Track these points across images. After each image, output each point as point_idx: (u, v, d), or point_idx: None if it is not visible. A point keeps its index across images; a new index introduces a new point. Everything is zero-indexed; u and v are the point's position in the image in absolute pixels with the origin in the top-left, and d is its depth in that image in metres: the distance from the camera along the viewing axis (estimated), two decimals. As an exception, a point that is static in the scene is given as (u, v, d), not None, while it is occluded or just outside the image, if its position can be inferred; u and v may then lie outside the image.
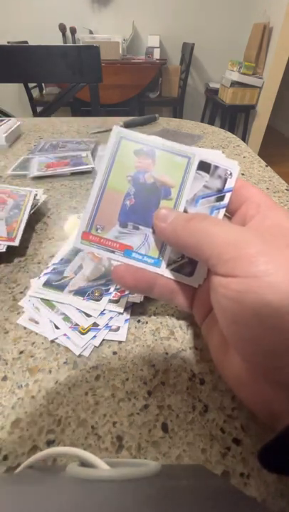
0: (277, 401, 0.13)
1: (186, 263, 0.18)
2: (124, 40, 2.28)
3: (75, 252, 0.27)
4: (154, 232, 0.18)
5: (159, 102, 2.50)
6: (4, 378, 0.19)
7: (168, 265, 0.18)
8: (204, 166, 0.18)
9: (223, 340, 0.16)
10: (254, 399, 0.14)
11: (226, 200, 0.18)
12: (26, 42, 2.10)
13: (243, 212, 0.17)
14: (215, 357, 0.17)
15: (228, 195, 0.17)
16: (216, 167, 0.18)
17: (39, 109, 2.18)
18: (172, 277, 0.18)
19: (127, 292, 0.23)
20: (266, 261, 0.11)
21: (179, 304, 0.19)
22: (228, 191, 0.17)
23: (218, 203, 0.18)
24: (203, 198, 0.18)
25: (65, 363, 0.19)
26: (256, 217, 0.16)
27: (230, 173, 0.17)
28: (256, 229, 0.15)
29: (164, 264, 0.18)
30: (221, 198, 0.18)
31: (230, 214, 0.18)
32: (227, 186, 0.17)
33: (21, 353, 0.20)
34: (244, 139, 2.46)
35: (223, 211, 0.18)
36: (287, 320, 0.11)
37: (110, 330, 0.21)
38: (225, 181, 0.17)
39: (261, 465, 0.12)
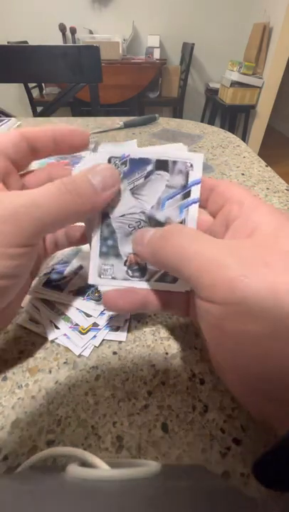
0: (269, 411, 0.13)
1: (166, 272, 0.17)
2: (124, 40, 2.28)
3: (75, 252, 0.27)
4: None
5: (159, 102, 2.50)
6: (4, 378, 0.19)
7: (150, 278, 0.17)
8: (162, 165, 0.17)
9: None
10: (249, 406, 0.14)
11: (196, 194, 0.16)
12: (26, 42, 2.10)
13: (225, 212, 0.16)
14: (213, 361, 0.17)
15: (195, 189, 0.16)
16: (174, 162, 0.16)
17: (39, 109, 2.18)
18: (159, 288, 0.17)
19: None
20: (244, 287, 0.11)
21: (175, 313, 0.19)
22: (195, 184, 0.16)
23: (186, 200, 0.17)
24: (168, 199, 0.17)
25: (65, 363, 0.19)
26: (239, 220, 0.15)
27: (191, 165, 0.16)
28: (238, 236, 0.14)
29: (147, 278, 0.17)
30: (187, 194, 0.17)
31: (212, 215, 0.17)
32: (191, 179, 0.16)
33: (21, 353, 0.20)
34: (244, 139, 2.46)
35: (195, 206, 0.17)
36: (268, 348, 0.10)
37: (110, 330, 0.21)
38: (187, 175, 0.16)
39: (257, 480, 0.12)
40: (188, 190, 0.17)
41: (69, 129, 0.17)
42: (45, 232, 0.14)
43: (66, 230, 0.21)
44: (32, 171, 0.19)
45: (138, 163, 0.17)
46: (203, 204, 0.17)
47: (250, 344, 0.11)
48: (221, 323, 0.11)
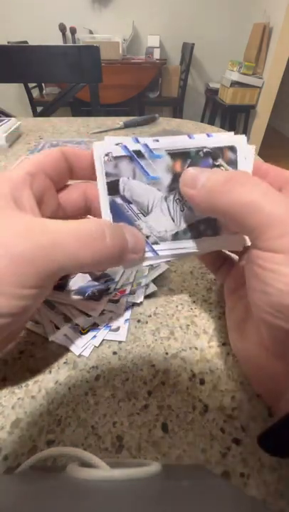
0: (283, 379, 0.14)
1: (203, 221, 0.16)
2: (124, 40, 2.28)
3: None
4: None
5: (159, 102, 2.50)
6: (4, 378, 0.19)
7: (195, 237, 0.16)
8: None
9: (245, 316, 0.17)
10: (262, 375, 0.15)
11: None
12: (26, 42, 2.10)
13: None
14: (232, 332, 0.18)
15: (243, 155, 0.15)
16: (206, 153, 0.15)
17: (39, 109, 2.18)
18: (210, 248, 0.17)
19: (127, 292, 0.23)
20: None
21: (207, 265, 0.21)
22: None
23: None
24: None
25: (65, 363, 0.19)
26: None
27: (231, 148, 0.15)
28: None
29: (190, 238, 0.17)
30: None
31: None
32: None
33: (21, 353, 0.20)
34: (244, 139, 2.45)
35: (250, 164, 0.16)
36: None
37: (110, 330, 0.21)
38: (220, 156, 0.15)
39: (261, 447, 0.13)
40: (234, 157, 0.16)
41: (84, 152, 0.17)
42: (62, 275, 0.14)
43: None
44: (67, 186, 0.19)
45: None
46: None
47: None
48: (278, 268, 0.12)
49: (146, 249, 0.17)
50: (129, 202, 0.16)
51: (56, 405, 0.17)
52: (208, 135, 0.16)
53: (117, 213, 0.16)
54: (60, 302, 0.23)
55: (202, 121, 2.75)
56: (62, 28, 2.25)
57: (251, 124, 2.42)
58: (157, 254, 0.17)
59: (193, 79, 2.69)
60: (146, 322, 0.22)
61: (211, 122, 2.55)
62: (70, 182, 0.19)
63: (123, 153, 0.15)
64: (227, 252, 0.21)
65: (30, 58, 0.84)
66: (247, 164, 0.16)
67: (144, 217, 0.17)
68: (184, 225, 0.17)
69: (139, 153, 0.15)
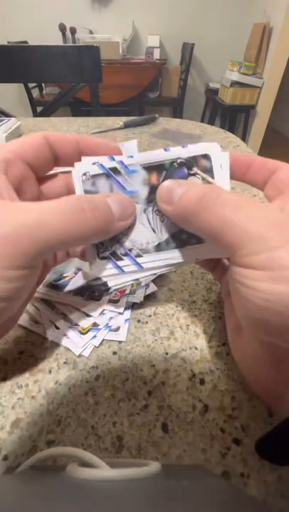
0: (279, 384, 0.14)
1: (185, 231, 0.16)
2: (124, 40, 2.28)
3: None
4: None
5: (159, 102, 2.50)
6: (4, 378, 0.19)
7: (179, 246, 0.16)
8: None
9: (239, 321, 0.17)
10: (261, 381, 0.15)
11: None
12: (26, 42, 2.10)
13: (282, 198, 0.15)
14: (230, 336, 0.18)
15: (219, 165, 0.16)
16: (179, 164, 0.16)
17: (39, 109, 2.18)
18: (199, 257, 0.17)
19: (127, 292, 0.23)
20: (285, 256, 0.11)
21: (203, 266, 0.21)
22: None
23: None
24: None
25: (65, 363, 0.19)
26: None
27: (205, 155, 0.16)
28: (281, 217, 0.13)
29: (174, 248, 0.17)
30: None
31: (268, 199, 0.16)
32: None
33: (21, 353, 0.20)
34: (244, 139, 2.46)
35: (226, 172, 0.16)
36: None
37: (110, 330, 0.21)
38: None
39: (257, 453, 0.12)
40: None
41: (96, 142, 0.16)
42: (49, 254, 0.13)
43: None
44: (49, 177, 0.18)
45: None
46: (260, 185, 0.17)
47: (284, 302, 0.11)
48: (258, 284, 0.12)
49: (130, 262, 0.17)
50: None
51: (56, 405, 0.17)
52: (183, 146, 0.16)
53: None
54: (60, 302, 0.23)
55: (202, 121, 2.75)
56: (62, 28, 2.25)
57: (251, 124, 2.42)
58: (141, 267, 0.17)
59: (193, 79, 2.69)
60: (146, 322, 0.22)
61: (211, 122, 2.55)
62: (59, 169, 0.18)
63: (100, 171, 0.16)
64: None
65: (30, 58, 0.84)
66: (223, 171, 0.16)
67: (125, 231, 0.17)
68: (165, 236, 0.17)
69: (115, 169, 0.16)
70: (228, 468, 0.15)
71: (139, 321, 0.22)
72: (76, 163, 0.16)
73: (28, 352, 0.20)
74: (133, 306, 0.23)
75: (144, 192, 0.16)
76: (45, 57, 0.84)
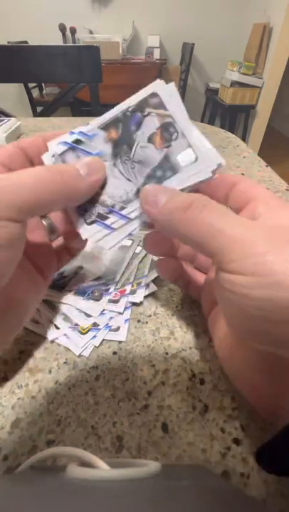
0: (276, 395, 0.13)
1: (158, 167, 0.17)
2: (124, 40, 2.28)
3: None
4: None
5: (159, 102, 2.50)
6: (4, 378, 0.19)
7: (159, 183, 0.17)
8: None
9: (226, 332, 0.17)
10: (254, 392, 0.15)
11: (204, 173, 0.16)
12: (26, 42, 2.10)
13: (251, 209, 0.16)
14: (218, 349, 0.18)
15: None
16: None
17: (39, 109, 2.18)
18: (184, 185, 0.16)
19: (127, 292, 0.23)
20: (272, 261, 0.11)
21: (192, 293, 0.22)
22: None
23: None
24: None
25: (65, 363, 0.19)
26: (266, 214, 0.15)
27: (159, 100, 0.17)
28: (265, 223, 0.14)
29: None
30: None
31: (235, 211, 0.17)
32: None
33: (21, 353, 0.20)
34: (244, 139, 2.46)
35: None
36: None
37: (110, 330, 0.21)
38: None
39: (259, 465, 0.12)
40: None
41: (55, 133, 0.17)
42: (28, 212, 0.14)
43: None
44: None
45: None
46: (222, 200, 0.17)
47: (276, 309, 0.11)
48: (248, 291, 0.12)
49: (116, 217, 0.17)
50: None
51: (56, 405, 0.17)
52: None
53: (81, 204, 0.17)
54: (60, 302, 0.23)
55: (202, 121, 2.75)
56: (62, 28, 2.25)
57: (251, 124, 2.42)
58: (129, 218, 0.17)
59: (193, 79, 2.69)
60: (146, 322, 0.22)
61: (211, 122, 2.55)
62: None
63: (65, 147, 0.17)
64: (186, 269, 0.22)
65: (30, 58, 0.84)
66: (174, 100, 0.16)
67: (103, 190, 0.17)
68: (141, 180, 0.17)
69: (77, 141, 0.17)
70: (228, 468, 0.15)
71: (139, 321, 0.22)
72: (44, 154, 0.17)
73: (28, 352, 0.20)
74: (133, 306, 0.23)
75: (108, 149, 0.17)
76: (45, 57, 0.84)
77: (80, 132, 0.17)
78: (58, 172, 0.14)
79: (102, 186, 0.17)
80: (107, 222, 0.17)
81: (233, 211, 0.17)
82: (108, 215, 0.17)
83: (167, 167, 0.17)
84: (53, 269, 0.20)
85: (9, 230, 0.13)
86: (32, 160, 0.18)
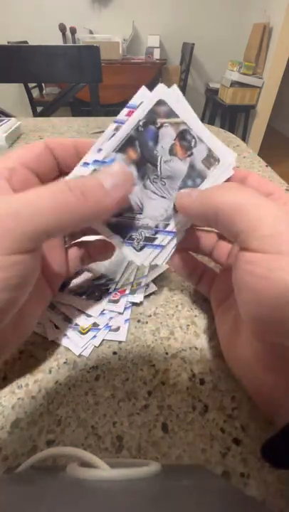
0: (280, 391, 0.13)
1: (187, 176, 0.17)
2: (124, 40, 2.28)
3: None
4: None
5: (159, 102, 2.50)
6: (4, 378, 0.19)
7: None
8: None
9: (235, 327, 0.17)
10: (258, 388, 0.15)
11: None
12: (26, 42, 2.10)
13: (251, 184, 0.16)
14: (224, 344, 0.18)
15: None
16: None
17: (39, 109, 2.18)
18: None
19: (127, 292, 0.23)
20: None
21: (202, 290, 0.22)
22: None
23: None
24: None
25: (65, 363, 0.19)
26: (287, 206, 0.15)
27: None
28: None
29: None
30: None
31: None
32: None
33: (21, 353, 0.20)
34: (244, 139, 2.46)
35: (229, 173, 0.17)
36: None
37: (110, 330, 0.21)
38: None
39: (264, 460, 0.12)
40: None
41: (87, 142, 0.17)
42: (45, 237, 0.13)
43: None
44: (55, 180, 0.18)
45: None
46: None
47: None
48: (270, 273, 0.11)
49: (164, 235, 0.18)
50: (119, 214, 0.17)
51: (56, 405, 0.17)
52: (126, 107, 0.16)
53: (122, 231, 0.17)
54: (60, 302, 0.23)
55: (202, 121, 2.71)
56: (62, 28, 2.25)
57: (251, 124, 2.42)
58: (174, 232, 0.18)
59: (193, 79, 2.69)
60: (146, 322, 0.22)
61: (211, 122, 2.54)
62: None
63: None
64: (206, 263, 0.22)
65: (30, 58, 0.84)
66: (181, 104, 0.16)
67: (142, 214, 0.17)
68: (175, 194, 0.17)
69: (95, 171, 0.16)
70: (228, 468, 0.15)
71: (139, 321, 0.22)
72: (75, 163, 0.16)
73: (28, 352, 0.20)
74: (133, 306, 0.23)
75: (133, 171, 0.16)
76: (45, 57, 0.84)
77: (96, 161, 0.16)
78: (81, 193, 0.13)
79: (141, 210, 0.17)
80: (156, 242, 0.18)
81: None
82: (155, 236, 0.17)
83: (195, 175, 0.17)
84: (62, 280, 0.20)
85: (20, 267, 0.12)
86: (59, 162, 0.17)
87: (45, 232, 0.13)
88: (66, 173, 0.17)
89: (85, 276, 0.25)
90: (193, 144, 0.16)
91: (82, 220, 0.14)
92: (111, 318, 0.22)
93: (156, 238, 0.17)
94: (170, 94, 0.16)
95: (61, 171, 0.17)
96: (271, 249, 0.12)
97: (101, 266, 0.26)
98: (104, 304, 0.23)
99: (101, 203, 0.14)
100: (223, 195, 0.14)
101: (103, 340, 0.21)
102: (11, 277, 0.12)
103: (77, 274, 0.25)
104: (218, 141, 0.17)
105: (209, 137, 0.17)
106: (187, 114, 0.16)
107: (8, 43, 1.97)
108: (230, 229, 0.14)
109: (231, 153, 0.17)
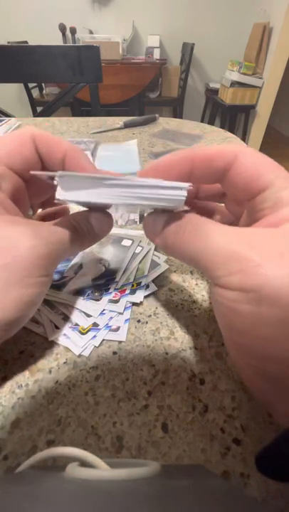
0: (271, 394, 0.13)
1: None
2: (124, 40, 2.28)
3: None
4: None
5: (159, 102, 2.50)
6: (4, 378, 0.19)
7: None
8: None
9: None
10: (256, 389, 0.15)
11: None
12: (26, 42, 2.10)
13: (256, 203, 0.14)
14: (227, 346, 0.18)
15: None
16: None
17: (39, 109, 2.18)
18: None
19: (127, 292, 0.23)
20: (259, 276, 0.11)
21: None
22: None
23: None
24: None
25: (65, 363, 0.19)
26: (269, 212, 0.13)
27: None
28: (267, 231, 0.13)
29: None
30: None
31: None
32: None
33: (21, 353, 0.20)
34: (244, 139, 2.46)
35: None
36: (283, 331, 0.11)
37: (110, 330, 0.21)
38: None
39: (259, 471, 0.12)
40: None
41: (77, 151, 0.16)
42: (57, 263, 0.17)
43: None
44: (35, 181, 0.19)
45: None
46: (218, 179, 0.15)
47: (263, 325, 0.11)
48: (236, 306, 0.12)
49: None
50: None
51: (56, 405, 0.17)
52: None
53: None
54: (60, 302, 0.23)
55: (202, 121, 2.75)
56: (62, 28, 2.25)
57: (251, 124, 2.42)
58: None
59: (193, 79, 2.69)
60: (146, 322, 0.22)
61: (211, 122, 2.55)
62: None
63: None
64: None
65: (30, 58, 0.84)
66: (132, 157, 0.16)
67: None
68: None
69: None
70: (228, 468, 0.15)
71: (139, 321, 0.22)
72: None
73: (28, 352, 0.20)
74: (133, 306, 0.23)
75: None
76: (45, 57, 0.84)
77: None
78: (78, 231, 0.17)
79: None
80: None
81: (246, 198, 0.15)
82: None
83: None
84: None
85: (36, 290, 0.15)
86: (42, 159, 0.17)
87: (57, 262, 0.17)
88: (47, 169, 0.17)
89: (84, 276, 0.25)
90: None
91: (75, 252, 0.19)
92: (111, 318, 0.22)
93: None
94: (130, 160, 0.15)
95: (42, 166, 0.17)
96: (233, 286, 0.12)
97: (101, 266, 0.26)
98: (104, 304, 0.23)
99: (92, 243, 0.19)
100: (180, 243, 0.14)
101: (103, 340, 0.21)
102: (34, 294, 0.15)
103: (77, 274, 0.25)
104: (164, 182, 0.14)
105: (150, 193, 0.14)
106: (134, 165, 0.15)
107: (8, 43, 1.97)
108: (197, 268, 0.14)
109: (181, 191, 0.13)
